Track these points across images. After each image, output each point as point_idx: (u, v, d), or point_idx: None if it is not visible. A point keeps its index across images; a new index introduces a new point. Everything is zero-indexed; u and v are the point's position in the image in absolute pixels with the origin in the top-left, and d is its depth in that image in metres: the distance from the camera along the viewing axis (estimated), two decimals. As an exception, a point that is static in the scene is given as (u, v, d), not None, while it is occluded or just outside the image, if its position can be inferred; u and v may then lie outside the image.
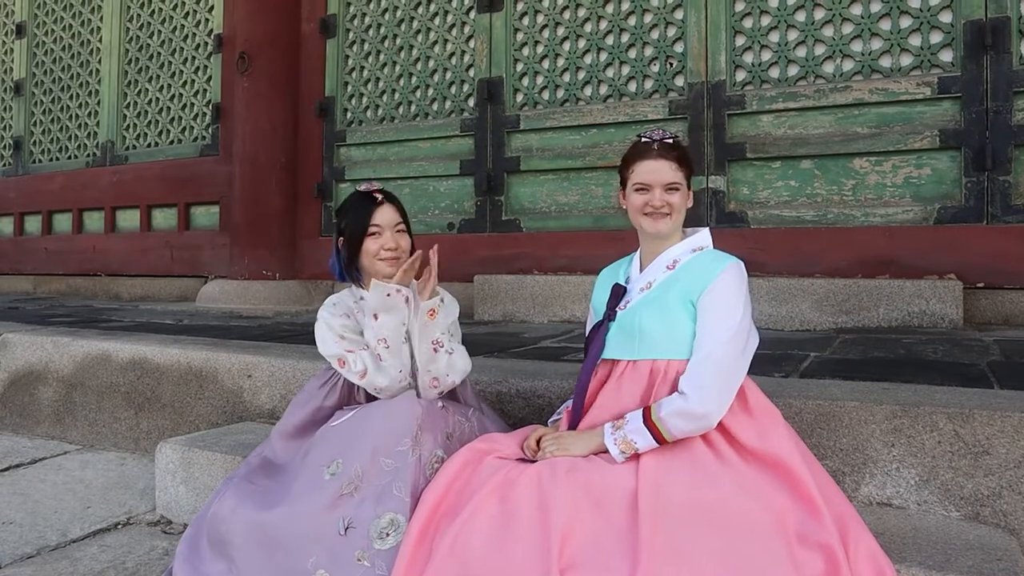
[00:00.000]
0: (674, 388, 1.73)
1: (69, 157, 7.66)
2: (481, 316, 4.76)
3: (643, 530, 1.50)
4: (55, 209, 7.63)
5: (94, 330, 4.11)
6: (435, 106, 5.56)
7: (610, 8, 4.93)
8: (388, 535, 1.72)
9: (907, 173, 4.12)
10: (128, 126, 7.23)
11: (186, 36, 6.85)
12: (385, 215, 2.11)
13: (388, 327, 2.00)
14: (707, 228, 1.94)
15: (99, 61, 7.41)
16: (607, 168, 4.66)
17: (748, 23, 4.52)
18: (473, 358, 2.16)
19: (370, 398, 2.07)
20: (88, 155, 7.49)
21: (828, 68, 4.32)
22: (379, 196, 2.13)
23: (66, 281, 7.55)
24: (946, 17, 4.07)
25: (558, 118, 5.05)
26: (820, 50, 4.34)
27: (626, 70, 4.88)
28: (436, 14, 5.58)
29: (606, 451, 1.72)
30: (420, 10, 5.64)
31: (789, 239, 4.30)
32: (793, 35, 4.41)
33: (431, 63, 5.59)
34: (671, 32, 4.74)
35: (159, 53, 7.02)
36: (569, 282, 4.56)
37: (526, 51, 5.21)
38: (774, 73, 4.45)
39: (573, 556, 1.50)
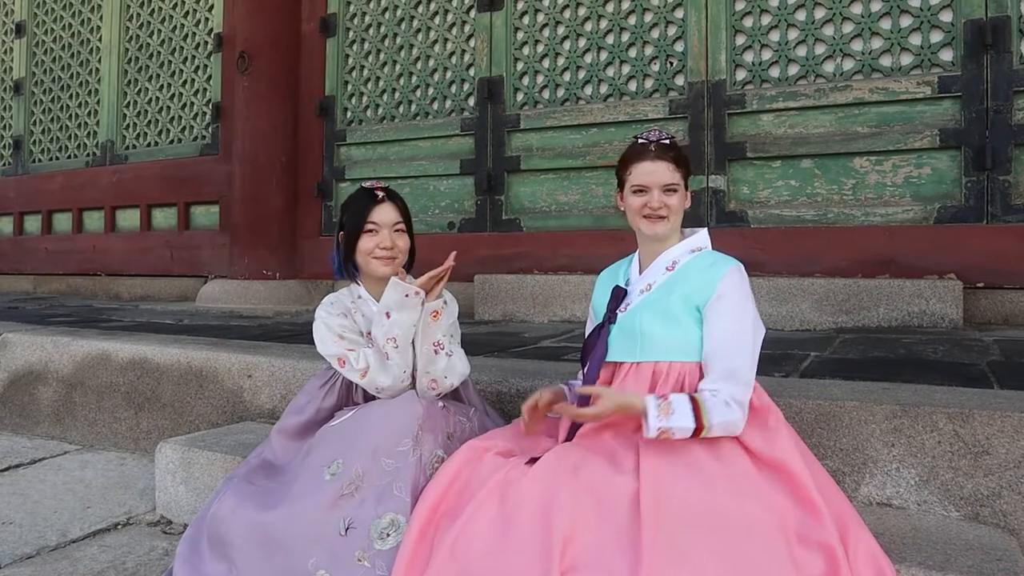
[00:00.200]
0: (676, 389, 1.73)
1: (69, 156, 7.66)
2: (481, 316, 4.76)
3: (645, 532, 1.49)
4: (55, 209, 7.63)
5: (94, 330, 4.11)
6: (435, 105, 5.56)
7: (610, 7, 4.93)
8: (388, 535, 1.72)
9: (907, 172, 4.12)
10: (128, 125, 7.23)
11: (186, 35, 6.85)
12: (384, 213, 2.10)
13: (400, 326, 1.98)
14: (705, 229, 1.94)
15: (99, 60, 7.41)
16: (607, 167, 4.66)
17: (748, 22, 4.52)
18: (473, 358, 2.17)
19: (368, 398, 2.07)
20: (88, 154, 7.49)
21: (828, 67, 4.31)
22: (380, 194, 2.13)
23: (66, 281, 7.55)
24: (946, 16, 4.07)
25: (558, 117, 5.04)
26: (820, 49, 4.34)
27: (626, 69, 4.88)
28: (436, 13, 5.57)
29: (636, 416, 1.69)
30: (420, 9, 5.64)
31: (789, 239, 4.30)
32: (793, 34, 4.41)
33: (431, 62, 5.59)
34: (671, 31, 4.73)
35: (159, 52, 7.01)
36: (569, 282, 4.56)
37: (526, 50, 5.21)
38: (774, 72, 4.45)
39: (575, 557, 1.50)
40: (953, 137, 4.00)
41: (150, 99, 7.06)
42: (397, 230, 2.12)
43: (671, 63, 4.74)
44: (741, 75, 4.54)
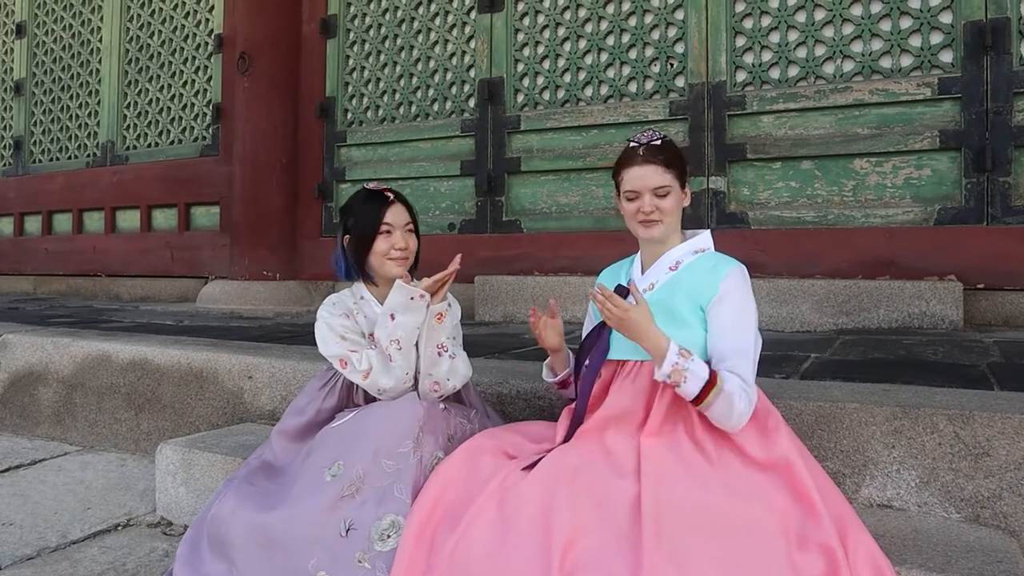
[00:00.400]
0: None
1: (69, 157, 7.66)
2: (482, 317, 4.76)
3: (646, 534, 1.49)
4: (55, 209, 7.63)
5: (94, 331, 4.11)
6: (436, 106, 5.56)
7: (611, 8, 4.93)
8: (389, 537, 1.72)
9: (907, 174, 4.12)
10: (128, 126, 7.23)
11: (186, 36, 6.85)
12: (396, 214, 2.11)
13: (404, 328, 1.99)
14: (708, 230, 1.93)
15: (99, 61, 7.41)
16: (608, 169, 4.62)
17: (748, 24, 4.52)
18: (474, 359, 2.17)
19: (369, 400, 2.07)
20: (88, 155, 7.49)
21: (828, 69, 4.32)
22: (390, 195, 2.13)
23: (66, 281, 7.55)
24: (946, 18, 4.07)
25: (559, 119, 5.05)
26: (820, 51, 4.34)
27: (627, 71, 4.88)
28: (437, 14, 5.58)
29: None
30: (421, 10, 5.64)
31: (789, 240, 4.30)
32: (793, 36, 4.42)
33: (432, 63, 5.59)
34: (672, 33, 4.74)
35: (159, 53, 7.02)
36: (570, 283, 4.56)
37: (527, 51, 5.21)
38: (774, 74, 4.45)
39: (576, 561, 1.49)
40: (953, 138, 4.00)
41: (150, 100, 7.06)
42: (408, 230, 2.13)
43: (671, 64, 4.74)
44: (741, 76, 4.54)
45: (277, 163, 5.90)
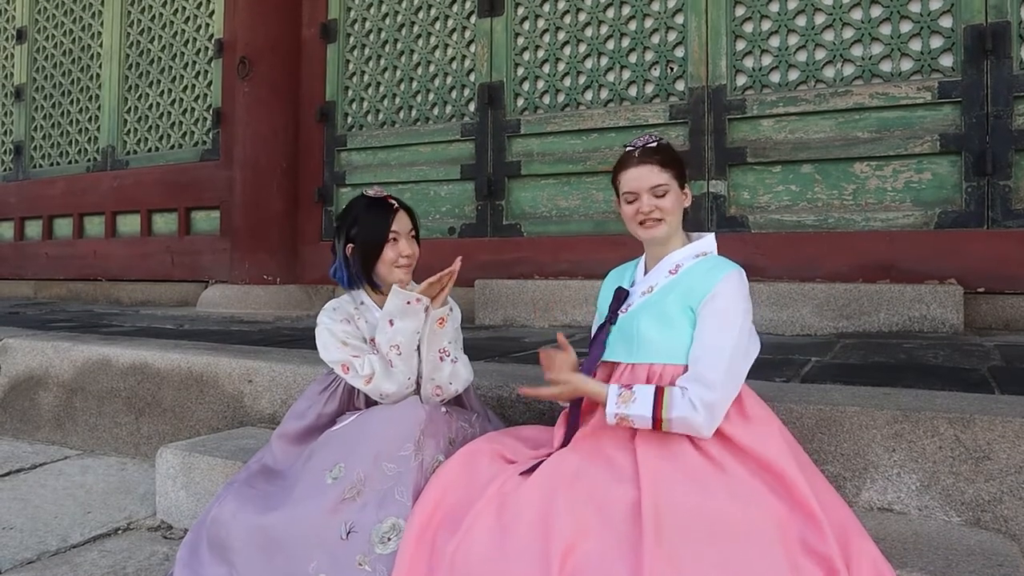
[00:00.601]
0: None
1: (70, 162, 7.67)
2: (482, 320, 4.76)
3: (646, 539, 1.49)
4: (56, 214, 7.64)
5: (95, 335, 4.11)
6: (436, 111, 5.57)
7: (611, 13, 4.94)
8: (389, 540, 1.72)
9: (908, 178, 4.12)
10: (129, 131, 7.24)
11: (187, 41, 6.86)
12: (401, 222, 2.12)
13: (403, 333, 1.99)
14: (712, 234, 1.93)
15: (100, 66, 7.42)
16: (608, 173, 4.61)
17: (748, 28, 4.52)
18: (474, 362, 2.17)
19: (370, 404, 2.07)
20: (89, 160, 7.50)
21: (829, 72, 4.32)
22: (394, 203, 2.13)
23: (67, 286, 7.55)
24: (946, 22, 4.08)
25: (559, 122, 5.05)
26: (820, 55, 4.35)
27: (627, 74, 4.89)
28: (437, 19, 5.59)
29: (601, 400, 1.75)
30: (421, 15, 5.65)
31: (790, 244, 4.30)
32: (793, 40, 4.42)
33: (432, 68, 5.60)
34: (672, 37, 4.74)
35: (160, 58, 7.03)
36: (570, 287, 4.56)
37: (527, 55, 5.22)
38: (775, 78, 4.46)
39: (576, 565, 1.49)
40: (953, 142, 4.00)
41: (151, 104, 7.07)
42: (412, 237, 2.14)
43: (671, 68, 4.74)
44: (741, 80, 4.55)
45: (277, 167, 5.90)
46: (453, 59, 5.51)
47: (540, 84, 5.17)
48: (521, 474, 1.72)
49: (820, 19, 4.35)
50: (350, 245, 2.13)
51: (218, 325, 4.86)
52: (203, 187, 6.58)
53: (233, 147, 6.06)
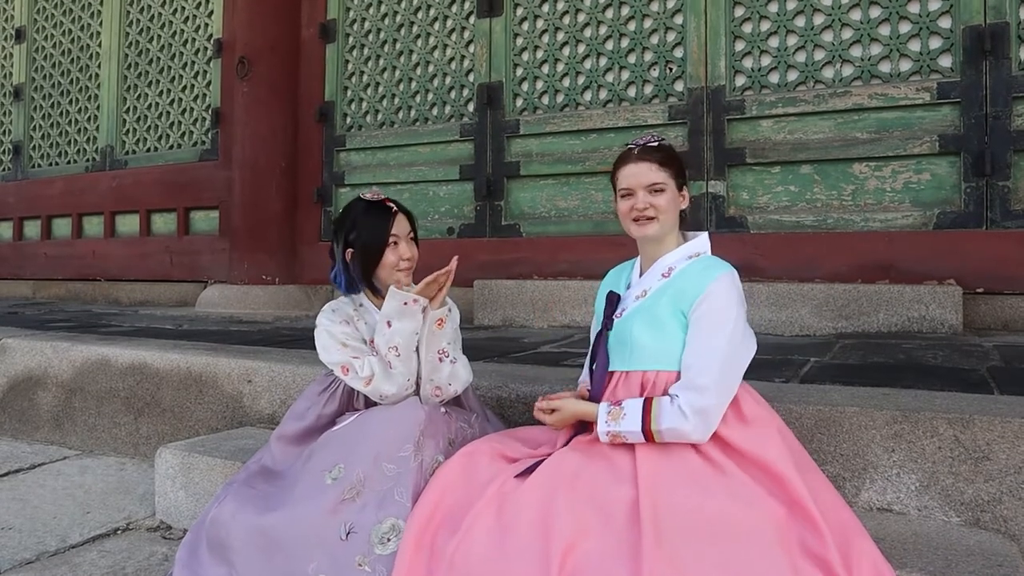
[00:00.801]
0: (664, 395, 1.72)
1: (68, 162, 7.66)
2: (481, 321, 4.76)
3: (645, 540, 1.49)
4: (54, 214, 7.63)
5: (93, 335, 4.11)
6: (435, 111, 5.57)
7: (610, 13, 4.94)
8: (389, 540, 1.72)
9: (906, 178, 4.12)
10: (127, 131, 7.23)
11: (186, 41, 6.86)
12: (400, 225, 2.12)
13: (401, 334, 1.99)
14: (705, 233, 1.92)
15: (99, 66, 7.42)
16: (607, 173, 4.62)
17: (748, 28, 4.53)
18: (473, 363, 2.17)
19: (369, 404, 2.07)
20: (87, 160, 7.49)
21: (828, 73, 4.32)
22: (392, 206, 2.13)
23: (65, 286, 7.55)
24: (945, 23, 4.08)
25: (558, 123, 5.05)
26: (820, 55, 4.35)
27: (626, 75, 4.89)
28: (436, 19, 5.59)
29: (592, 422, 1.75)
30: (420, 15, 5.65)
31: (789, 244, 4.30)
32: (792, 40, 4.42)
33: (431, 68, 5.60)
34: (671, 37, 4.75)
35: (159, 58, 7.02)
36: (569, 287, 4.57)
37: (526, 56, 5.22)
38: (774, 78, 4.46)
39: (575, 566, 1.49)
40: (952, 143, 4.01)
41: (150, 104, 7.07)
42: (411, 239, 2.14)
43: (670, 69, 4.75)
44: (740, 81, 4.55)
45: (276, 167, 5.90)
46: (452, 59, 5.51)
47: (539, 84, 5.17)
48: (519, 475, 1.73)
49: (819, 20, 4.36)
50: (349, 250, 2.13)
51: (217, 325, 4.86)
52: (202, 187, 6.58)
53: (232, 147, 6.06)
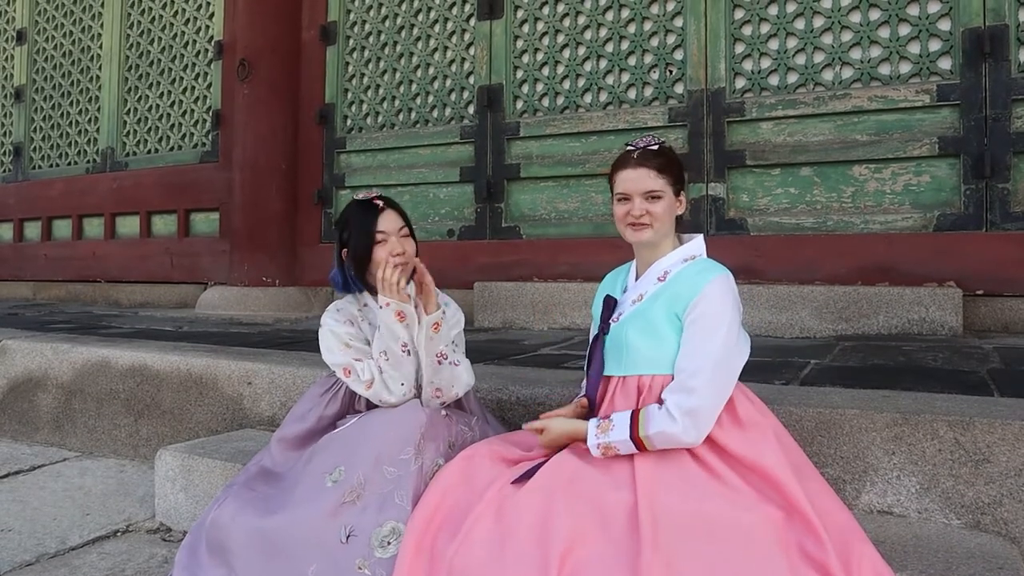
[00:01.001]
0: (658, 401, 1.72)
1: (69, 163, 7.66)
2: (481, 323, 4.76)
3: (643, 544, 1.49)
4: (55, 215, 7.63)
5: (94, 337, 4.11)
6: (435, 113, 5.57)
7: (610, 15, 4.94)
8: (389, 543, 1.72)
9: (906, 180, 4.12)
10: (128, 132, 7.24)
11: (186, 43, 6.86)
12: (389, 221, 2.10)
13: (384, 339, 2.01)
14: (700, 235, 1.91)
15: (99, 67, 7.42)
16: (607, 175, 4.65)
17: (747, 31, 4.53)
18: (473, 365, 2.17)
19: (371, 406, 2.07)
20: (88, 161, 7.49)
21: (827, 76, 4.32)
22: (380, 203, 2.12)
23: (66, 287, 7.55)
24: (945, 25, 4.08)
25: (558, 125, 5.06)
26: (819, 58, 4.35)
27: (626, 77, 4.89)
28: (436, 21, 5.59)
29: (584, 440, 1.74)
30: (420, 17, 5.66)
31: (789, 246, 4.30)
32: (792, 43, 4.43)
33: (431, 70, 5.60)
34: (671, 40, 4.75)
35: (159, 59, 7.03)
36: (569, 289, 4.57)
37: (526, 58, 5.22)
38: (773, 80, 4.46)
39: (575, 568, 1.49)
40: (952, 145, 4.01)
41: (150, 106, 7.07)
42: (403, 235, 2.12)
43: (670, 71, 4.75)
44: (740, 83, 4.55)
45: (277, 169, 5.90)
46: (452, 61, 5.52)
47: (539, 87, 5.17)
48: (517, 480, 1.72)
49: (819, 22, 4.36)
50: (345, 250, 2.14)
51: (217, 327, 4.86)
52: (202, 189, 6.58)
53: (232, 149, 6.06)
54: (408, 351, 2.01)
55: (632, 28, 4.88)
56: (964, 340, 3.59)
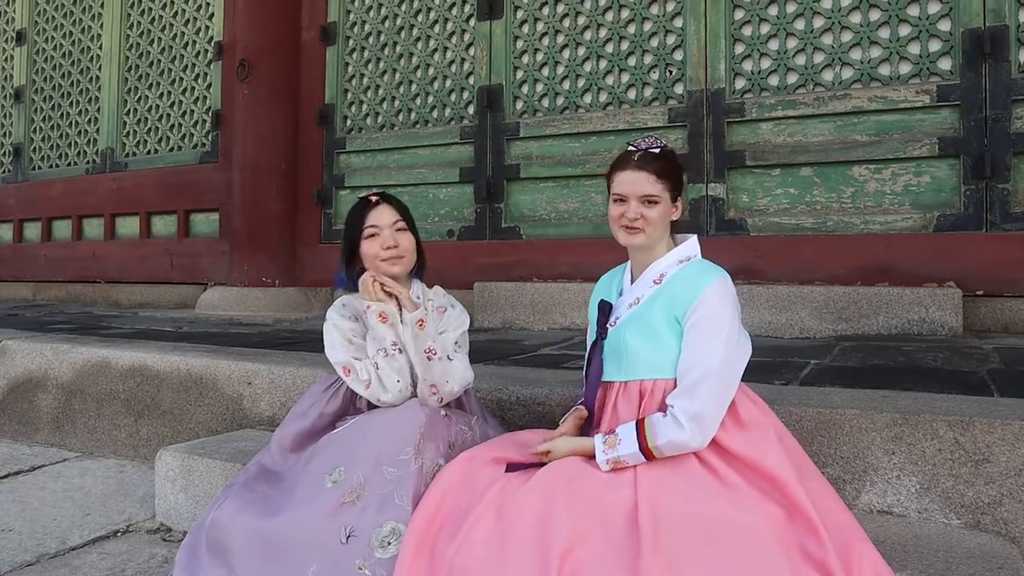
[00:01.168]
0: (660, 406, 1.72)
1: (69, 164, 7.66)
2: (481, 323, 4.76)
3: (644, 544, 1.49)
4: (55, 216, 7.63)
5: (94, 337, 4.11)
6: (435, 113, 5.57)
7: (610, 16, 4.95)
8: (389, 544, 1.72)
9: (906, 181, 4.12)
10: (128, 133, 7.24)
11: (186, 43, 6.86)
12: (381, 215, 2.10)
13: (376, 339, 2.04)
14: (695, 236, 1.90)
15: (99, 68, 7.42)
16: (606, 175, 4.67)
17: (747, 31, 4.53)
18: (473, 365, 2.16)
19: (372, 407, 2.07)
20: (88, 162, 7.50)
21: (827, 76, 4.33)
22: (374, 198, 2.13)
23: (65, 288, 7.55)
24: (945, 25, 4.08)
25: (558, 125, 5.06)
26: (819, 58, 4.35)
27: (626, 78, 4.89)
28: (436, 21, 5.59)
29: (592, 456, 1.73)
30: (420, 17, 5.66)
31: (789, 246, 4.30)
32: (792, 43, 4.43)
33: (431, 70, 5.60)
34: (671, 40, 4.75)
35: (159, 60, 7.03)
36: (569, 289, 4.57)
37: (526, 59, 5.22)
38: (773, 81, 4.46)
39: (575, 569, 1.49)
40: (952, 145, 4.01)
41: (150, 107, 7.07)
42: (398, 229, 2.11)
43: (670, 72, 4.75)
44: (740, 84, 4.55)
45: (277, 169, 5.90)
46: (452, 62, 5.52)
47: (539, 87, 5.17)
48: (516, 471, 1.73)
49: (819, 23, 4.36)
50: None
51: (217, 327, 4.86)
52: (202, 189, 6.58)
53: (232, 149, 6.06)
54: (399, 349, 2.02)
55: (632, 28, 4.88)
56: (964, 340, 3.59)
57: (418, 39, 5.66)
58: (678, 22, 4.73)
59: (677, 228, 1.93)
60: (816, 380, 2.63)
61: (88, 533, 2.50)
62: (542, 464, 1.76)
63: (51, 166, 7.82)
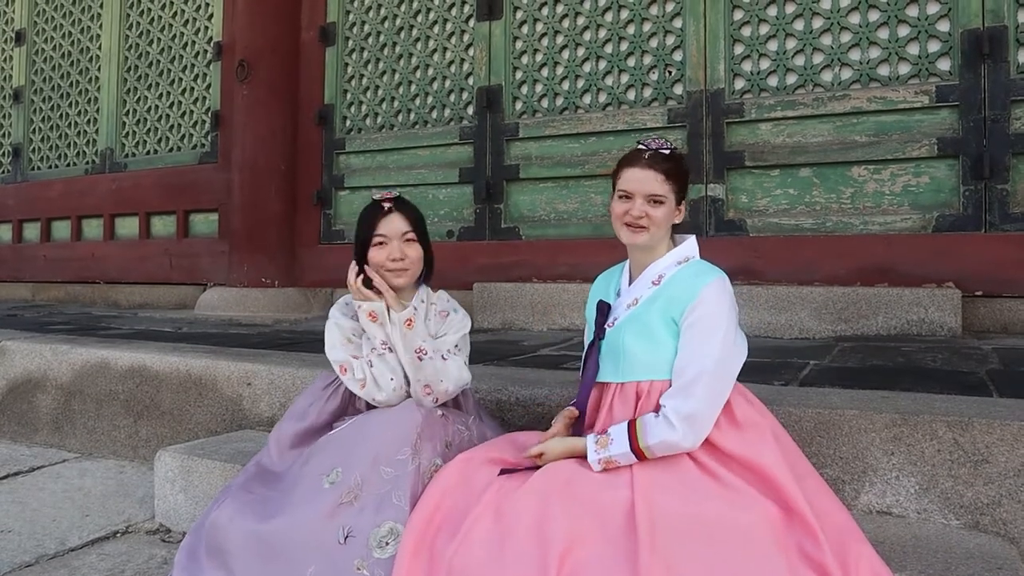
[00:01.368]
0: (657, 407, 1.72)
1: (68, 164, 7.66)
2: (480, 324, 4.76)
3: (641, 545, 1.49)
4: (54, 216, 7.63)
5: (93, 338, 4.10)
6: (434, 114, 5.57)
7: (609, 16, 4.95)
8: (387, 544, 1.72)
9: (905, 181, 4.13)
10: (127, 133, 7.24)
11: (185, 44, 6.86)
12: (392, 225, 2.08)
13: (369, 339, 2.05)
14: (693, 236, 1.90)
15: (98, 68, 7.42)
16: (606, 176, 4.65)
17: (747, 32, 4.53)
18: (472, 366, 2.16)
19: (370, 407, 2.07)
20: (87, 162, 7.49)
21: (826, 77, 4.33)
22: (387, 205, 2.11)
23: (65, 288, 7.54)
24: (944, 26, 4.09)
25: (557, 126, 5.06)
26: (818, 59, 4.36)
27: (625, 78, 4.89)
28: (435, 22, 5.59)
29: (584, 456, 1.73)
30: (419, 18, 5.66)
31: (788, 247, 4.30)
32: (791, 44, 4.43)
33: (430, 71, 5.60)
34: (670, 41, 4.75)
35: (158, 61, 7.03)
36: (568, 290, 4.57)
37: (525, 59, 5.22)
38: (773, 81, 4.46)
39: (573, 569, 1.49)
40: (951, 146, 4.01)
41: (149, 107, 7.07)
42: (407, 240, 2.09)
43: (670, 72, 4.75)
44: (739, 84, 4.56)
45: (276, 170, 5.90)
46: (452, 62, 5.52)
47: (539, 88, 5.17)
48: (511, 473, 1.73)
49: (818, 23, 4.36)
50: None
51: (216, 328, 4.86)
52: (201, 190, 6.58)
53: (232, 150, 6.06)
54: (388, 348, 2.03)
55: (631, 29, 4.88)
56: (963, 341, 3.59)
57: (417, 39, 5.66)
58: (677, 23, 4.74)
59: (677, 230, 1.93)
60: (815, 381, 2.63)
61: (87, 534, 2.50)
62: (537, 467, 1.76)
63: (50, 167, 7.82)
